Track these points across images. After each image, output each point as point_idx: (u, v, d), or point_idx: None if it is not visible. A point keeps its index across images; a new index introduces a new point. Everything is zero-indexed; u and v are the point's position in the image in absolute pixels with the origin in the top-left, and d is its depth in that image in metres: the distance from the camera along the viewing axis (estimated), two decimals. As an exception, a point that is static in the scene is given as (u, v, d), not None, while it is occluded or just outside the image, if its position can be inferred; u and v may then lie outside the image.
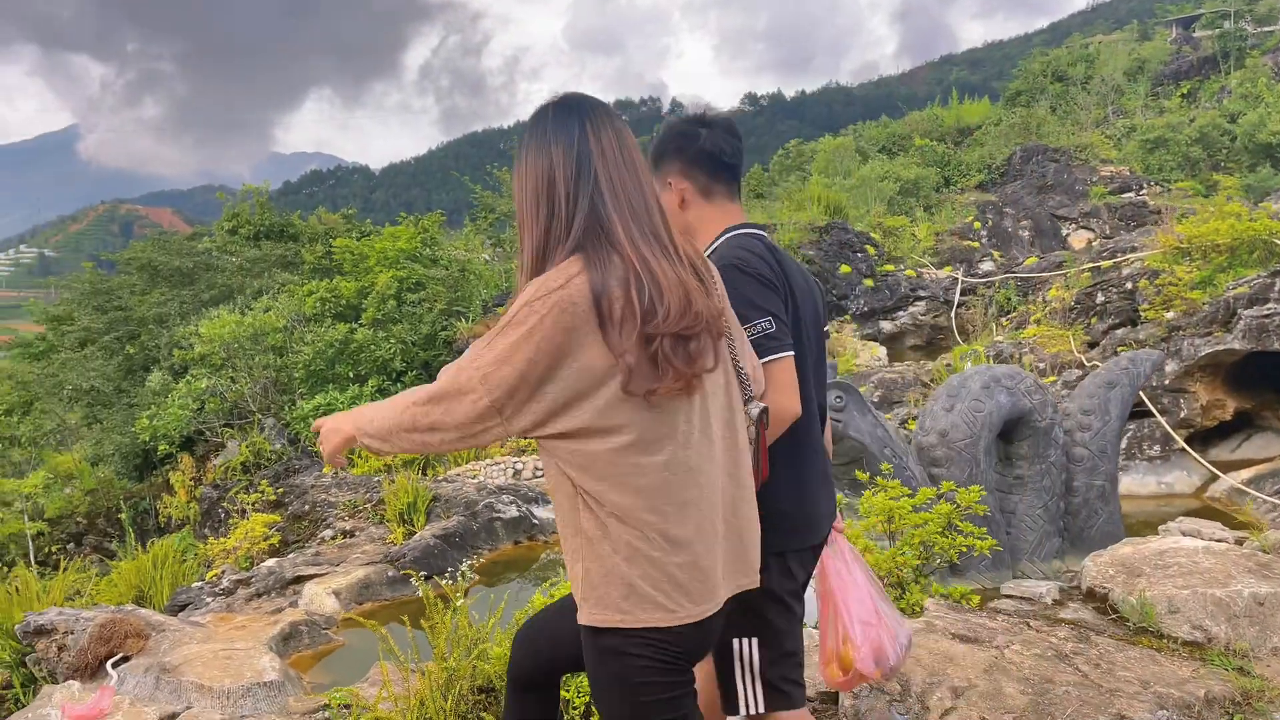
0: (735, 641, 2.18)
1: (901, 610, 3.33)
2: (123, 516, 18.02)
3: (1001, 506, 6.66)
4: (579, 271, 1.84)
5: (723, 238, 2.35)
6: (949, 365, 11.57)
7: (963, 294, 16.06)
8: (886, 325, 15.79)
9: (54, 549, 17.90)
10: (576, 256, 1.87)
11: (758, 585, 2.01)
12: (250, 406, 16.66)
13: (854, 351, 13.99)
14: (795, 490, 2.21)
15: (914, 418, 10.51)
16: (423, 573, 6.71)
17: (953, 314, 15.82)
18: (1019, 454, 7.31)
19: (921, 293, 16.17)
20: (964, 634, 2.87)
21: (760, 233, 2.37)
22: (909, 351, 15.77)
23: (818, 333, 2.38)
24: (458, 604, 4.09)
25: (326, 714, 4.44)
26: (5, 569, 17.35)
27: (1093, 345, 11.38)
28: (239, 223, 22.73)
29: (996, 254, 17.60)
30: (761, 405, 2.06)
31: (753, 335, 2.15)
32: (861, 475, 6.21)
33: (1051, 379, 10.11)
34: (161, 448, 16.56)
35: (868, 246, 16.80)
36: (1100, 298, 11.96)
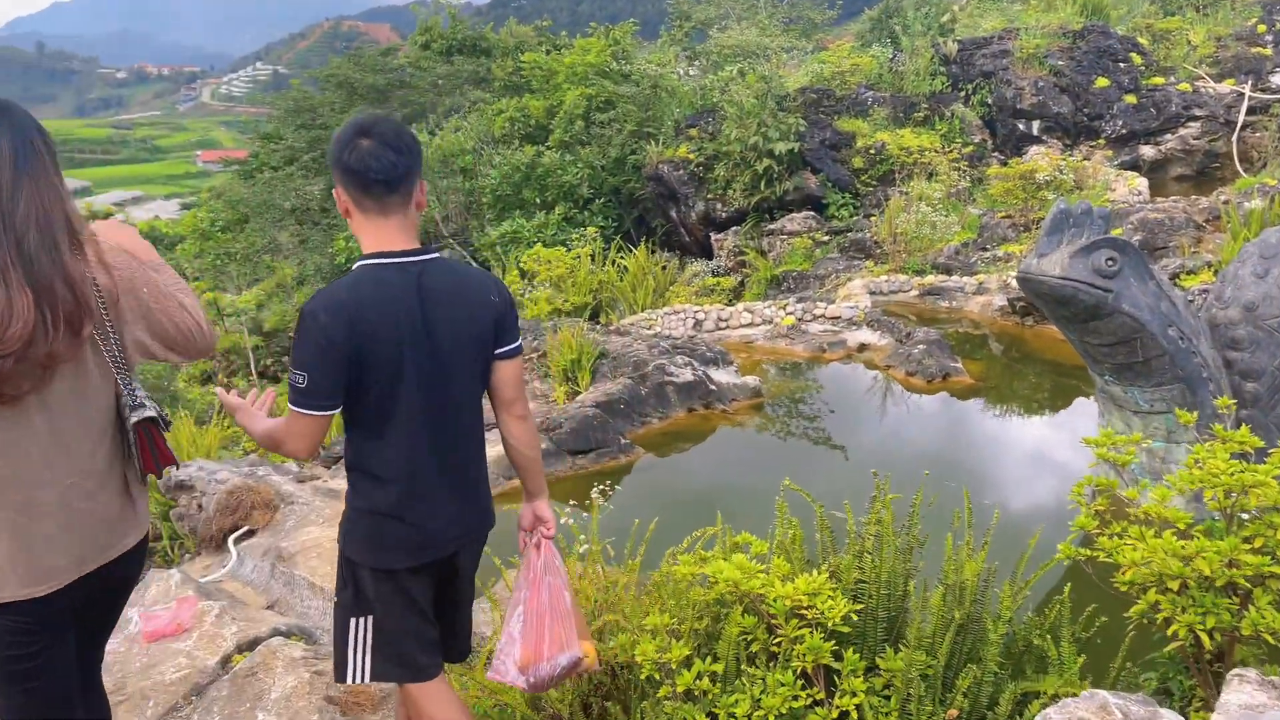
0: (351, 620, 2.47)
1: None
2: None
3: (1326, 412, 5.04)
4: None
5: (357, 264, 2.38)
6: (1238, 203, 9.38)
7: (1249, 113, 13.23)
8: (1149, 151, 13.28)
9: (270, 361, 18.72)
10: None
11: (112, 559, 2.25)
12: (442, 231, 16.29)
13: (1106, 183, 11.79)
14: (383, 524, 2.41)
15: (1187, 272, 8.58)
16: (576, 450, 5.89)
17: (1234, 138, 13.10)
18: (1355, 338, 5.54)
19: (1196, 111, 13.43)
20: None
21: (383, 261, 2.33)
22: (1173, 184, 13.27)
23: (450, 361, 2.39)
24: (580, 549, 3.12)
25: (438, 644, 3.68)
26: (229, 379, 18.36)
27: None
28: (431, 37, 21.96)
29: (1297, 63, 14.34)
30: (143, 415, 2.23)
31: (290, 384, 2.33)
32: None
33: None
34: (356, 270, 16.57)
35: (1133, 55, 14.04)
36: None
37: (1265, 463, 2.46)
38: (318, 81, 24.31)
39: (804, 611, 2.28)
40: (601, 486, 3.79)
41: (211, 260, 21.07)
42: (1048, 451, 6.10)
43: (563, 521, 3.42)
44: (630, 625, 2.62)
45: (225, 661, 3.31)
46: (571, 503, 4.77)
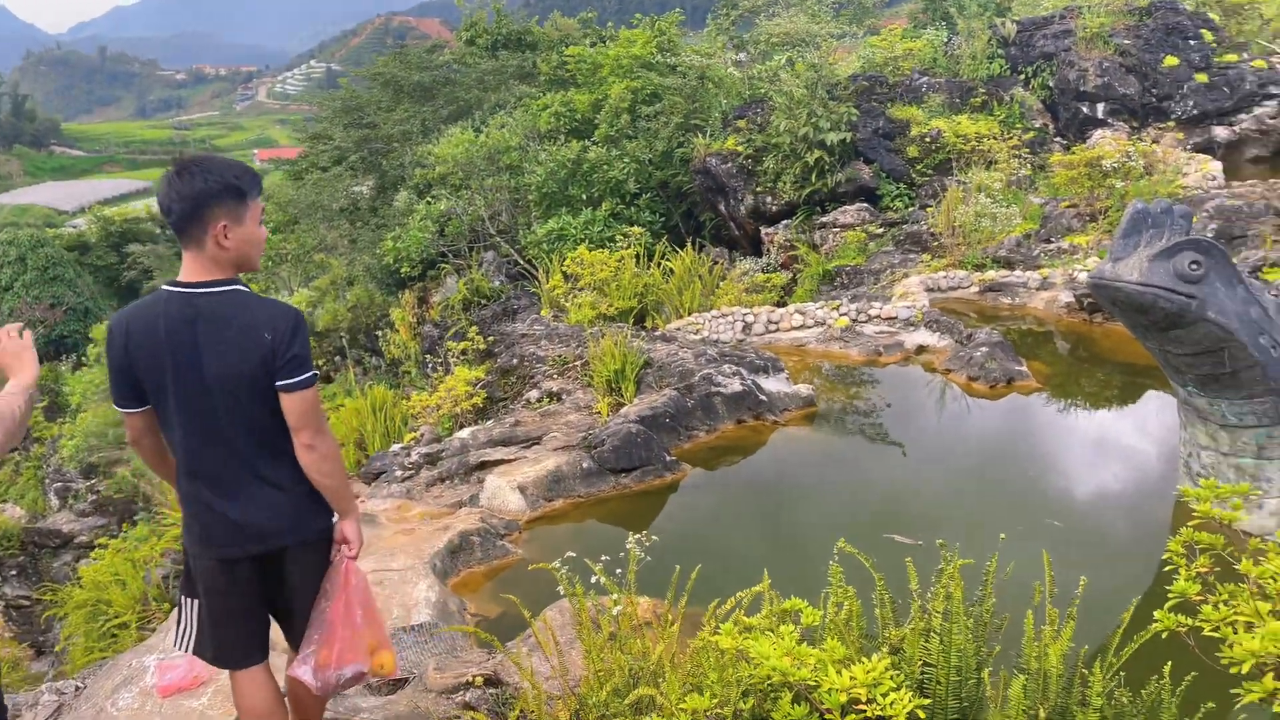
0: (184, 598, 2.76)
1: None
2: (379, 333, 18.47)
3: None
4: None
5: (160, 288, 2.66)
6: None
7: (1332, 89, 12.52)
8: (1222, 132, 12.62)
9: (321, 362, 18.76)
10: None
11: None
12: (489, 229, 16.12)
13: (1177, 168, 11.20)
14: (186, 515, 2.69)
15: (1270, 265, 8.06)
16: (619, 469, 5.63)
17: (1316, 116, 12.39)
18: None
19: (1273, 89, 12.75)
20: None
21: (171, 290, 2.60)
22: (1249, 166, 12.61)
23: (216, 386, 2.56)
24: (613, 610, 2.86)
25: (467, 696, 3.45)
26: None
27: None
28: (476, 33, 21.81)
29: (1383, 34, 13.55)
30: None
31: None
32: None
33: None
34: (404, 270, 16.48)
35: (1203, 31, 13.37)
36: None
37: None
38: (366, 80, 24.32)
39: (863, 707, 1.99)
40: (638, 536, 3.49)
41: (263, 262, 21.19)
42: (1129, 470, 5.71)
43: (595, 580, 3.17)
44: (668, 703, 2.35)
45: (240, 722, 3.12)
46: (604, 558, 4.51)
